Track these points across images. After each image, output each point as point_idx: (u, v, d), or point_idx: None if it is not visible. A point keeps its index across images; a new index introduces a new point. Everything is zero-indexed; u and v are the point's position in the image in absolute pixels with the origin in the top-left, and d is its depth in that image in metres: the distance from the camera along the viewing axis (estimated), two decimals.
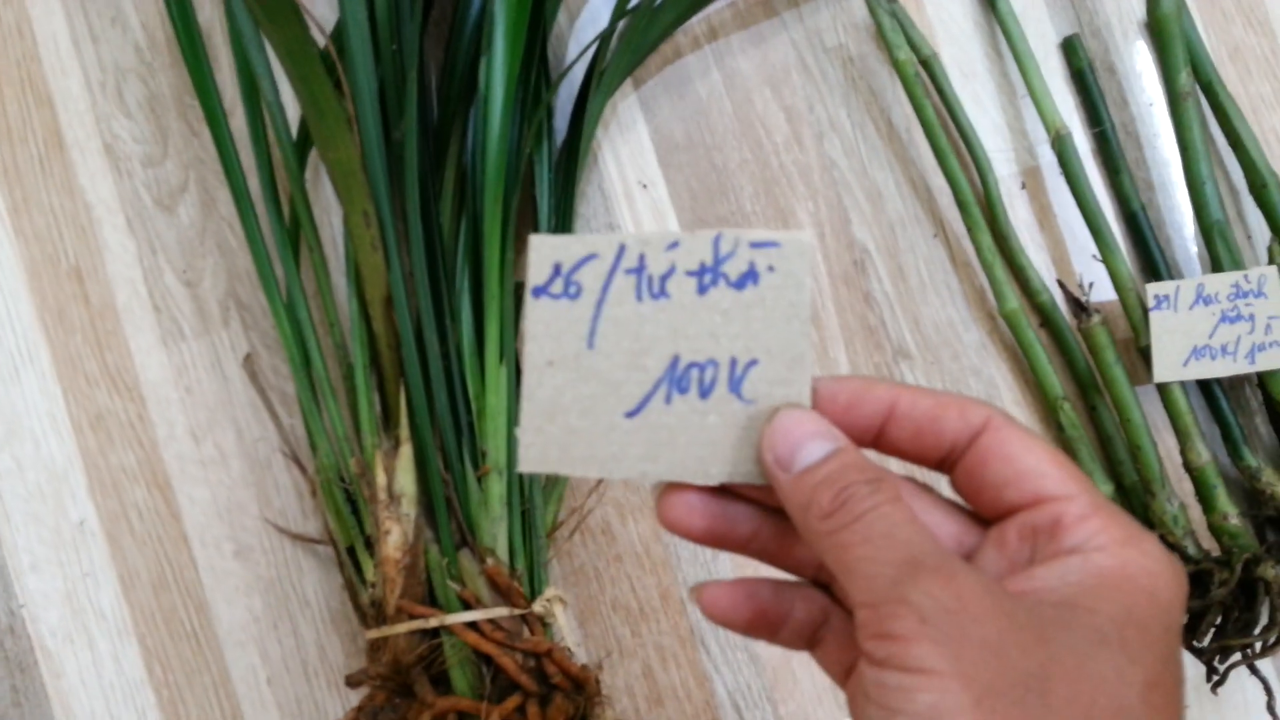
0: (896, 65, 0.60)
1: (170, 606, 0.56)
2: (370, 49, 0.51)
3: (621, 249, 0.28)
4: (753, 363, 0.29)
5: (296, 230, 0.53)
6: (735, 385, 0.29)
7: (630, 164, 0.60)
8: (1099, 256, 0.58)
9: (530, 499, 0.50)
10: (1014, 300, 0.58)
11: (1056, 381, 0.58)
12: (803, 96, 0.62)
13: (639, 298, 0.29)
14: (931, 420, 0.27)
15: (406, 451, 0.47)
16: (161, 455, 0.57)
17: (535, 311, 0.29)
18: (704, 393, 0.29)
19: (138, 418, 0.57)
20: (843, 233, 0.60)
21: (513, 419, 0.49)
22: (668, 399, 0.29)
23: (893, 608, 0.23)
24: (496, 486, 0.48)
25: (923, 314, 0.60)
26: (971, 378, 0.59)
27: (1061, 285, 0.59)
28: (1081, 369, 0.58)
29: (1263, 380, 0.57)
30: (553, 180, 0.55)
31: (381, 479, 0.46)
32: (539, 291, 0.29)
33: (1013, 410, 0.59)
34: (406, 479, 0.46)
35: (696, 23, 0.62)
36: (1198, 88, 0.59)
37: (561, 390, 0.29)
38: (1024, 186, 0.62)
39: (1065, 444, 0.58)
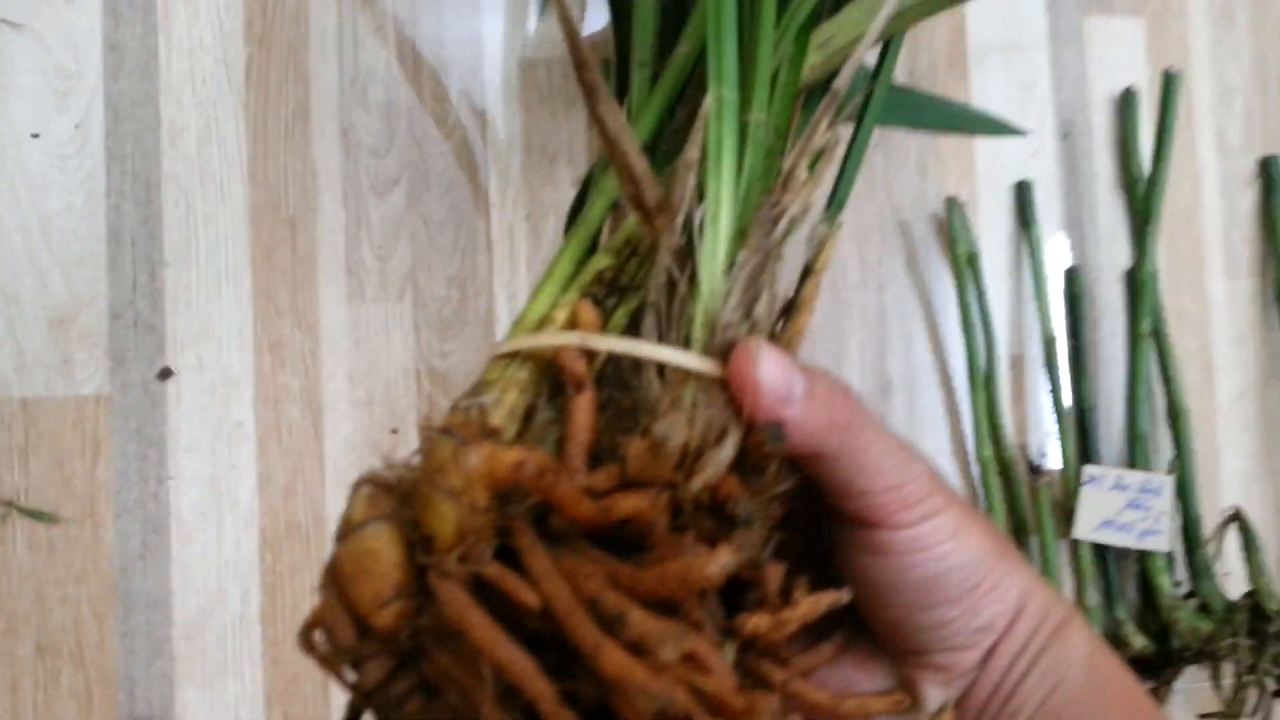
0: (954, 258, 0.78)
1: (293, 510, 0.68)
2: None
3: None
4: None
5: None
6: None
7: None
8: (1055, 435, 0.77)
9: None
10: (988, 449, 0.77)
11: (1002, 517, 0.76)
12: (875, 252, 0.79)
13: None
14: None
15: None
16: (321, 387, 0.69)
17: None
18: None
19: (310, 352, 0.69)
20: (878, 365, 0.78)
21: None
22: None
23: (912, 479, 0.33)
24: None
25: (921, 442, 0.78)
26: None
27: (1023, 449, 0.78)
28: (1020, 513, 0.77)
29: (1142, 557, 0.77)
30: None
31: None
32: None
33: None
34: None
35: None
36: (1155, 334, 0.80)
37: None
38: (1012, 368, 0.81)
39: None
